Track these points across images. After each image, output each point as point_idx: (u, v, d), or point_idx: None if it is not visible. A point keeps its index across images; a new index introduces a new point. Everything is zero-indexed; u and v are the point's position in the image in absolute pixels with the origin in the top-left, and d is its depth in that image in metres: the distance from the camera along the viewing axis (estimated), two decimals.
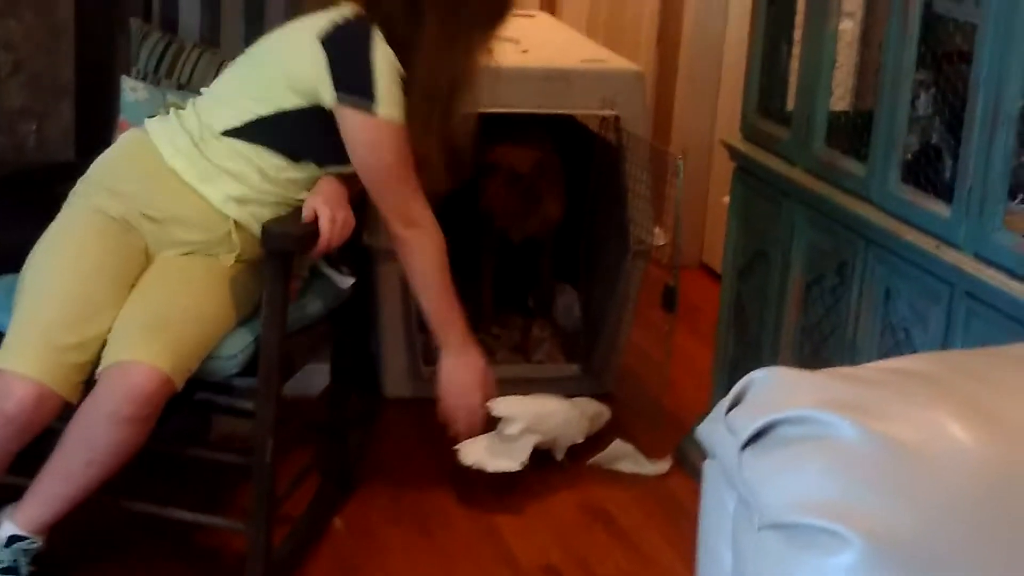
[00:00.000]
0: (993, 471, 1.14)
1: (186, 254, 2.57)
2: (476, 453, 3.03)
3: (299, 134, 2.58)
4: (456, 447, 3.03)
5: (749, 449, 1.18)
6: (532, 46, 3.72)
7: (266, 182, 2.58)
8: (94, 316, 2.42)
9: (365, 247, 3.34)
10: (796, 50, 2.95)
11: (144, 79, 3.00)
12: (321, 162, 2.61)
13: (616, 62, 3.65)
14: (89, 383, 2.39)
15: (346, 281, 2.74)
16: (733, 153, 3.11)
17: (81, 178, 2.63)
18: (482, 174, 3.57)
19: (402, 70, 2.55)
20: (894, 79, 2.48)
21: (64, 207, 2.60)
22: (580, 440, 3.20)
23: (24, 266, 2.51)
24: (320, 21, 2.56)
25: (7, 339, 2.40)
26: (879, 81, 2.56)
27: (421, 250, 2.70)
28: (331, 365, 2.99)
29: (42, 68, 3.10)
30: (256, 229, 2.57)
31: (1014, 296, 2.13)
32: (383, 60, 2.52)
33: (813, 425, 1.15)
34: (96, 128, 3.03)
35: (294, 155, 2.58)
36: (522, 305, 3.89)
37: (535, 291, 3.90)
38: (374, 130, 2.55)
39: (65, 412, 2.40)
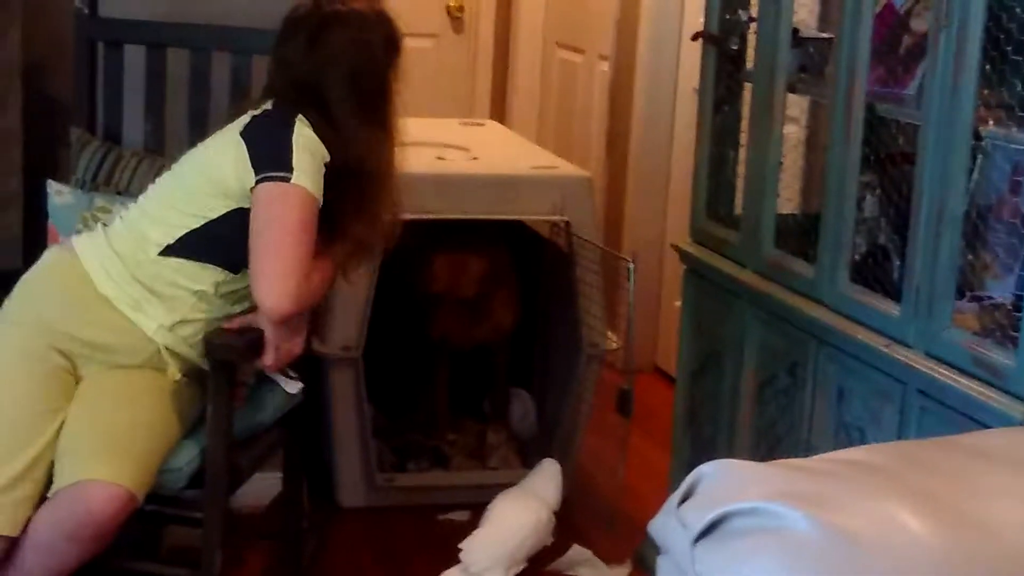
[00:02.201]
0: (947, 561, 1.13)
1: (122, 368, 2.52)
2: None
3: (232, 242, 2.50)
4: None
5: (702, 542, 1.17)
6: (482, 153, 3.75)
7: (202, 303, 2.53)
8: (21, 450, 2.36)
9: (316, 355, 3.33)
10: (742, 155, 2.99)
11: (83, 187, 2.99)
12: None
13: (565, 168, 3.68)
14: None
15: (294, 386, 2.70)
16: (683, 256, 3.13)
17: (6, 300, 2.56)
18: (429, 300, 3.58)
19: (327, 155, 2.51)
20: (839, 181, 2.52)
21: None
22: (551, 542, 3.18)
23: None
24: (242, 120, 2.55)
25: None
26: (825, 183, 2.59)
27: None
28: (283, 472, 2.95)
29: None
30: (187, 352, 2.54)
31: (965, 392, 2.14)
32: (301, 138, 2.47)
33: (765, 517, 1.14)
34: (44, 236, 3.01)
35: (232, 266, 2.53)
36: (477, 410, 3.87)
37: (490, 396, 3.88)
38: (283, 192, 2.44)
39: None
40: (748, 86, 2.92)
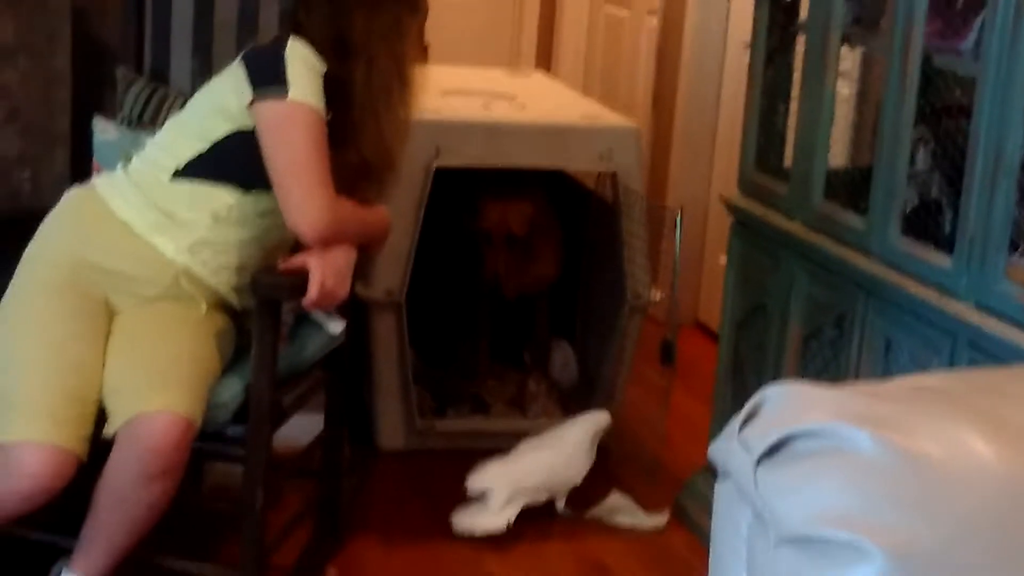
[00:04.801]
0: (1016, 487, 1.13)
1: (151, 300, 2.53)
2: (465, 521, 3.07)
3: (239, 161, 2.52)
4: (451, 518, 3.09)
5: (764, 464, 1.16)
6: (529, 102, 3.74)
7: (219, 225, 2.54)
8: (89, 380, 2.37)
9: (359, 298, 3.34)
10: (792, 107, 2.97)
11: (129, 126, 3.00)
12: (269, 186, 2.51)
13: (612, 118, 3.67)
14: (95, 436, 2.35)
15: (337, 326, 2.70)
16: (731, 208, 3.11)
17: (31, 241, 2.56)
18: (480, 240, 3.58)
19: (322, 65, 2.50)
20: (893, 133, 2.49)
21: (17, 272, 2.53)
22: (579, 481, 3.18)
23: None
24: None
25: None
26: (878, 135, 2.57)
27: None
28: (325, 412, 2.96)
29: (37, 116, 3.10)
30: (207, 278, 2.55)
31: (1017, 345, 2.12)
32: (294, 52, 2.48)
33: (830, 438, 1.13)
34: (89, 175, 3.03)
35: (243, 184, 2.53)
36: (518, 359, 3.88)
37: (531, 346, 3.89)
38: (285, 110, 2.46)
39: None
40: (801, 38, 2.89)
